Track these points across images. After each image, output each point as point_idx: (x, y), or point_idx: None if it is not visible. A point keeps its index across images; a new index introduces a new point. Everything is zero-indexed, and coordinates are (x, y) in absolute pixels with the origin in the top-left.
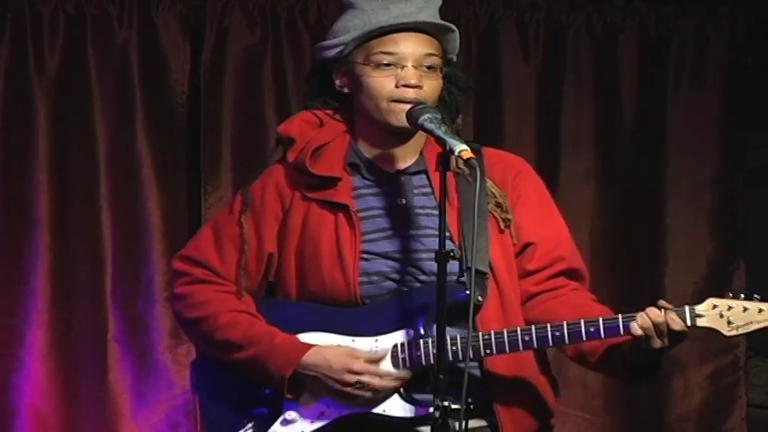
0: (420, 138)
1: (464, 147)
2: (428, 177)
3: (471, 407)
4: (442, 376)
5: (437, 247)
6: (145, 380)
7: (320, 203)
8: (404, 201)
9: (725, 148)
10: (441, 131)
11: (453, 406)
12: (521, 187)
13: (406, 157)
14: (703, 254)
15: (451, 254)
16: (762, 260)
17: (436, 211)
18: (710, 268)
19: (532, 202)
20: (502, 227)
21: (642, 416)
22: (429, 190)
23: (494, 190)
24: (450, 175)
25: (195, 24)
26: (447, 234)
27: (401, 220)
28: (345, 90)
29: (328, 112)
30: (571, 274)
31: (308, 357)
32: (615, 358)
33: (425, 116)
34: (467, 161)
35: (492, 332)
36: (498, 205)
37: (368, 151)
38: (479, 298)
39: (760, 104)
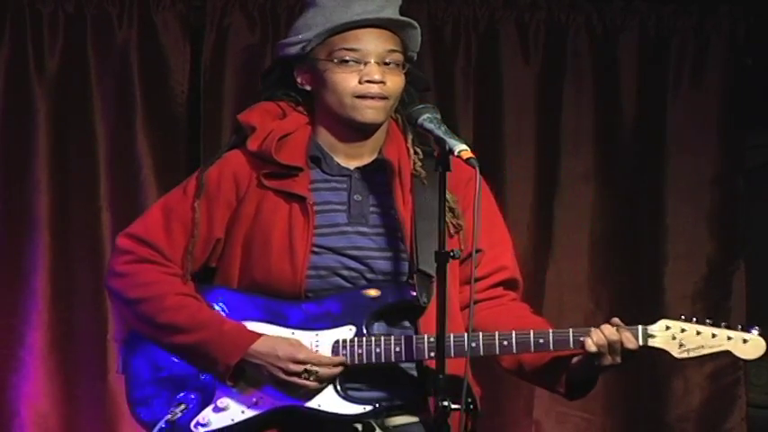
0: (380, 135)
1: (464, 147)
2: (386, 176)
3: (472, 406)
4: (441, 376)
5: (388, 246)
6: None
7: (276, 193)
8: (359, 198)
9: (725, 148)
10: (441, 131)
11: (453, 405)
12: (470, 195)
13: (365, 154)
14: (703, 254)
15: (451, 254)
16: (762, 260)
17: (392, 211)
18: (710, 268)
19: (481, 211)
20: (452, 232)
21: (642, 416)
22: (387, 189)
23: (446, 195)
24: (407, 174)
25: (195, 24)
26: (399, 234)
27: (354, 216)
28: (307, 87)
29: (290, 104)
30: (510, 284)
31: (257, 346)
32: (556, 371)
33: (425, 116)
34: (466, 161)
35: (452, 336)
36: (450, 210)
37: (328, 146)
38: (424, 300)
39: (760, 104)
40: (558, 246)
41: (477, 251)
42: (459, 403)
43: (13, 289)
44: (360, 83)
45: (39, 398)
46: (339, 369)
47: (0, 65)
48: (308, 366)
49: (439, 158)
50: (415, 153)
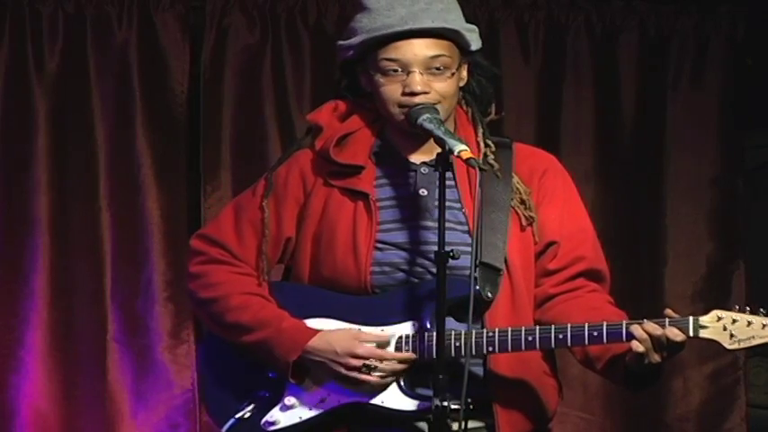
0: (448, 128)
1: (464, 147)
2: (452, 170)
3: (471, 407)
4: (441, 376)
5: (454, 240)
6: (144, 380)
7: (342, 190)
8: (425, 192)
9: (725, 148)
10: (440, 131)
11: (453, 406)
12: (547, 185)
13: (431, 148)
14: (703, 254)
15: (450, 254)
16: (762, 260)
17: (457, 204)
18: (710, 268)
19: (558, 201)
20: (524, 224)
21: (642, 416)
22: (452, 183)
23: (519, 186)
24: (474, 169)
25: (195, 24)
26: (465, 228)
27: (420, 211)
28: (368, 89)
29: (358, 102)
30: (591, 274)
31: (314, 343)
32: (617, 365)
33: (424, 116)
34: (467, 161)
35: (496, 330)
36: (522, 202)
37: (395, 142)
38: (489, 294)
39: (760, 104)
40: None
41: (553, 243)
42: (472, 402)
43: (13, 289)
44: (403, 94)
45: (39, 398)
46: (403, 366)
47: (0, 65)
48: (368, 361)
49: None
50: (487, 146)
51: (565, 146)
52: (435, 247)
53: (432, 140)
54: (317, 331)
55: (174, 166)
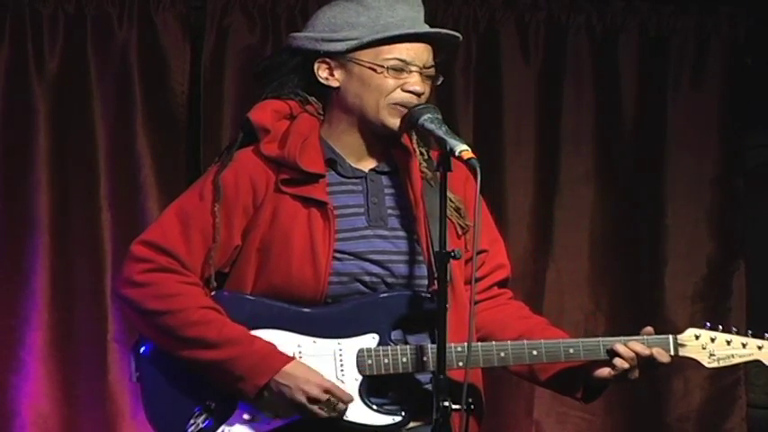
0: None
1: (465, 147)
2: (398, 177)
3: (472, 407)
4: (441, 377)
5: (407, 249)
6: None
7: (293, 197)
8: (376, 200)
9: (725, 148)
10: (441, 132)
11: (453, 406)
12: (469, 193)
13: (376, 156)
14: (703, 254)
15: (452, 254)
16: (762, 260)
17: (407, 212)
18: (710, 268)
19: (481, 210)
20: (459, 233)
21: (642, 416)
22: (400, 191)
23: (450, 194)
24: (417, 175)
25: (195, 24)
26: (415, 237)
27: (373, 219)
28: (334, 84)
29: (298, 102)
30: (506, 282)
31: (290, 368)
32: (573, 378)
33: (426, 116)
34: (467, 161)
35: (466, 346)
36: (457, 210)
37: (340, 148)
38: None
39: (760, 104)
40: (558, 246)
41: (482, 252)
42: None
43: (13, 289)
44: (403, 91)
45: (39, 398)
46: (345, 407)
47: (0, 65)
48: (331, 397)
49: (438, 159)
50: (420, 153)
51: (565, 146)
52: (392, 257)
53: (376, 147)
54: (290, 357)
55: (174, 166)
